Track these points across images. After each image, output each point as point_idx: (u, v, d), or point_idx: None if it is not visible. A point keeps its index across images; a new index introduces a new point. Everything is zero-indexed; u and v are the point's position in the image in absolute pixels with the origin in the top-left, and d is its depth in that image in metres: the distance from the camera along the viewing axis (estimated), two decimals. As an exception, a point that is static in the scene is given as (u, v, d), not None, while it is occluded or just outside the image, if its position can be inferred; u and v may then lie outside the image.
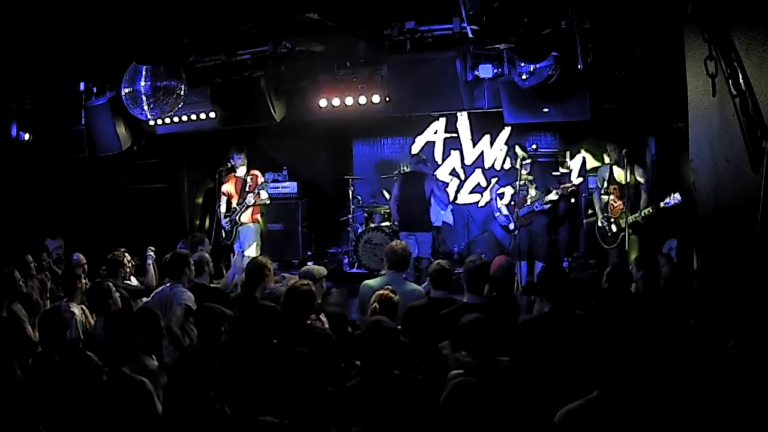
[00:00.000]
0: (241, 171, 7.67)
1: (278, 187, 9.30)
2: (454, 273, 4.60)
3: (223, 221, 7.62)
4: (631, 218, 6.33)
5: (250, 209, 7.52)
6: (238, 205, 7.52)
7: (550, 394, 2.96)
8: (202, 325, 3.80)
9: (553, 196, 7.07)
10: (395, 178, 8.43)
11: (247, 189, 7.51)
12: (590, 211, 7.52)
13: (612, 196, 6.71)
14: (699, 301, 3.99)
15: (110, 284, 4.63)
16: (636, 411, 2.43)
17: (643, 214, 6.35)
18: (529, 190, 7.22)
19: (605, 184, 6.78)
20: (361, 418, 3.00)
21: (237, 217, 7.51)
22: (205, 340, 3.70)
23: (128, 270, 5.61)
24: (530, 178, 7.27)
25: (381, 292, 4.08)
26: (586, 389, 2.54)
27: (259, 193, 7.48)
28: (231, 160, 7.60)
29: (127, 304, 4.94)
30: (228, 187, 7.71)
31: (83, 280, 4.99)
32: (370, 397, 3.04)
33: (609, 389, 2.46)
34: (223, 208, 7.65)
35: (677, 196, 5.99)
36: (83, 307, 4.88)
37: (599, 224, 6.81)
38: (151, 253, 5.84)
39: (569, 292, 3.97)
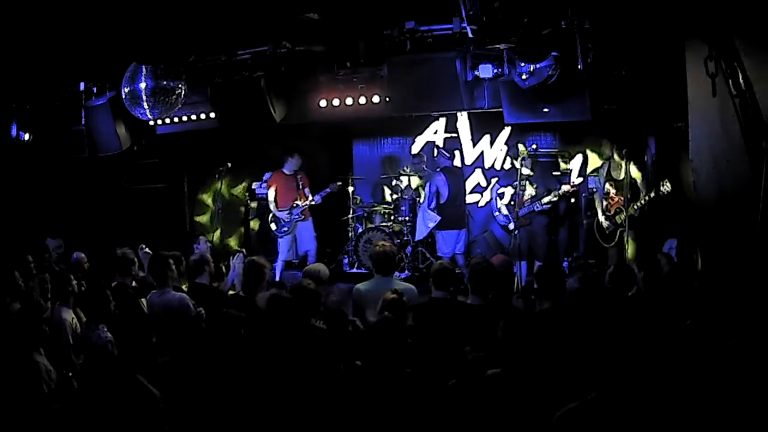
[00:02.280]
0: (288, 170, 8.13)
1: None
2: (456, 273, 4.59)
3: (282, 214, 8.08)
4: (628, 211, 6.33)
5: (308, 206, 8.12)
6: (301, 202, 8.06)
7: (548, 393, 2.95)
8: (223, 332, 3.75)
9: (552, 197, 7.08)
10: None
11: (300, 187, 8.11)
12: (589, 213, 7.54)
13: (610, 193, 6.73)
14: (699, 301, 3.99)
15: (108, 293, 4.58)
16: (634, 412, 2.43)
17: (636, 206, 6.36)
18: (527, 188, 7.21)
19: (603, 182, 6.80)
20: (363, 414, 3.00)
21: (299, 212, 8.06)
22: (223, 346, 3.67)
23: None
24: (531, 173, 7.27)
25: (387, 296, 4.06)
26: (584, 388, 2.54)
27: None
28: (290, 161, 8.08)
29: (137, 304, 4.90)
30: (278, 185, 8.15)
31: (74, 282, 4.94)
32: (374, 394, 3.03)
33: (607, 390, 2.46)
34: (272, 206, 8.12)
35: (667, 184, 6.05)
36: (77, 310, 4.86)
37: (599, 222, 6.82)
38: (148, 251, 5.79)
39: (567, 291, 3.98)
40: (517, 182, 7.17)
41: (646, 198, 6.34)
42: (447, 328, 3.84)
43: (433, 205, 7.75)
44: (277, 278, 8.04)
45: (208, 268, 5.07)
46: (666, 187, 6.11)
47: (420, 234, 8.13)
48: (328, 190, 8.12)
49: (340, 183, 8.31)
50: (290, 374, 3.41)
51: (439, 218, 7.72)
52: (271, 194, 8.16)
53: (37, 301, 4.68)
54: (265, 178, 9.34)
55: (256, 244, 9.51)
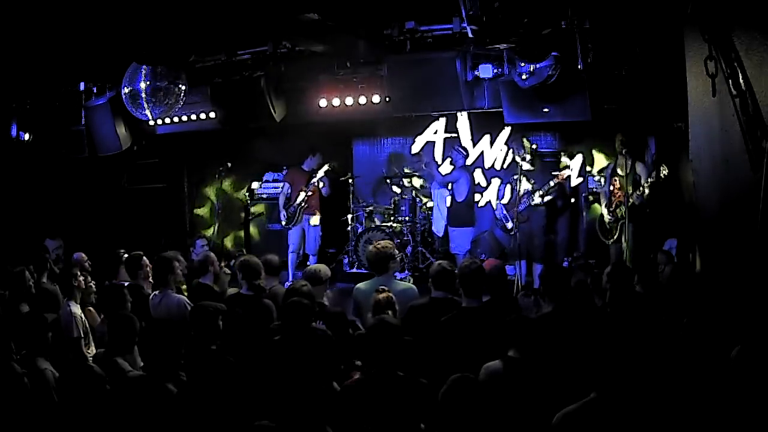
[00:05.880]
0: (307, 167, 8.30)
1: (278, 187, 9.32)
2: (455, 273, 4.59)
3: (290, 210, 8.24)
4: (629, 201, 6.32)
5: (316, 201, 8.23)
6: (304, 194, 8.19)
7: (551, 395, 2.95)
8: (200, 324, 3.78)
9: (548, 188, 7.05)
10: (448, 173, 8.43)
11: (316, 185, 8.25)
12: (585, 212, 7.55)
13: (614, 188, 6.74)
14: (697, 301, 3.99)
15: (125, 291, 4.58)
16: (633, 414, 2.43)
17: (638, 193, 6.35)
18: (523, 182, 7.20)
19: (609, 178, 6.81)
20: (362, 418, 3.00)
21: (301, 205, 8.18)
22: (203, 338, 3.70)
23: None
24: (531, 168, 7.25)
25: (375, 297, 4.08)
26: (586, 390, 2.54)
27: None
28: (309, 159, 8.26)
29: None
30: (293, 179, 8.31)
31: (80, 278, 4.95)
32: (372, 397, 3.04)
33: (607, 391, 2.46)
34: (282, 199, 8.30)
35: (664, 169, 6.06)
36: (91, 309, 4.88)
37: (601, 218, 6.83)
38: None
39: (571, 292, 3.98)
40: (518, 177, 7.16)
41: (647, 183, 6.32)
42: (446, 329, 3.84)
43: (461, 199, 7.75)
44: (291, 270, 8.21)
45: (212, 268, 5.09)
46: (664, 171, 6.12)
47: (441, 228, 8.28)
48: (324, 173, 8.20)
49: (333, 164, 8.41)
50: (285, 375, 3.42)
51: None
52: (285, 188, 8.32)
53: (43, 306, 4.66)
54: (270, 176, 9.42)
55: (256, 243, 9.52)
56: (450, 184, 7.93)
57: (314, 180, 8.14)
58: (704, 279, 4.18)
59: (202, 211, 9.96)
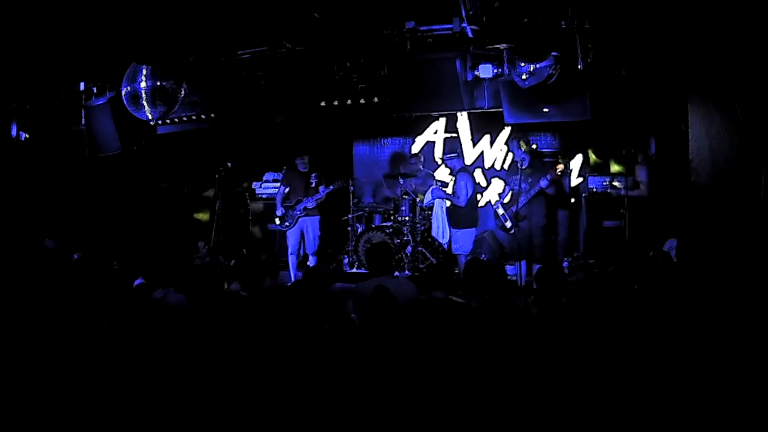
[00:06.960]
0: (302, 168, 8.22)
1: (278, 188, 9.33)
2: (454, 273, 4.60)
3: (281, 208, 8.21)
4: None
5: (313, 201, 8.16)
6: (305, 197, 8.15)
7: (546, 393, 2.95)
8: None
9: (543, 182, 7.05)
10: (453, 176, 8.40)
11: (315, 185, 8.16)
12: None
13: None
14: (695, 300, 3.99)
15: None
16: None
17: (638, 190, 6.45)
18: (521, 182, 7.21)
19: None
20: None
21: (302, 207, 8.14)
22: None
23: None
24: (530, 170, 7.25)
25: (375, 295, 4.10)
26: (579, 391, 2.54)
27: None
28: (302, 160, 8.19)
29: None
30: (290, 181, 8.27)
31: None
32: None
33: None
34: (279, 199, 8.26)
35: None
36: None
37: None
38: None
39: (567, 292, 3.98)
40: (519, 177, 7.16)
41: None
42: (444, 328, 3.84)
43: (462, 204, 7.73)
44: (292, 271, 8.15)
45: (219, 270, 5.12)
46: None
47: (442, 234, 8.18)
48: (332, 186, 8.18)
49: (345, 181, 8.39)
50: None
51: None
52: (282, 189, 8.27)
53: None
54: (270, 176, 9.40)
55: (256, 243, 9.52)
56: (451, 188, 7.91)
57: (318, 196, 8.14)
58: (703, 278, 4.18)
59: (202, 212, 9.95)
